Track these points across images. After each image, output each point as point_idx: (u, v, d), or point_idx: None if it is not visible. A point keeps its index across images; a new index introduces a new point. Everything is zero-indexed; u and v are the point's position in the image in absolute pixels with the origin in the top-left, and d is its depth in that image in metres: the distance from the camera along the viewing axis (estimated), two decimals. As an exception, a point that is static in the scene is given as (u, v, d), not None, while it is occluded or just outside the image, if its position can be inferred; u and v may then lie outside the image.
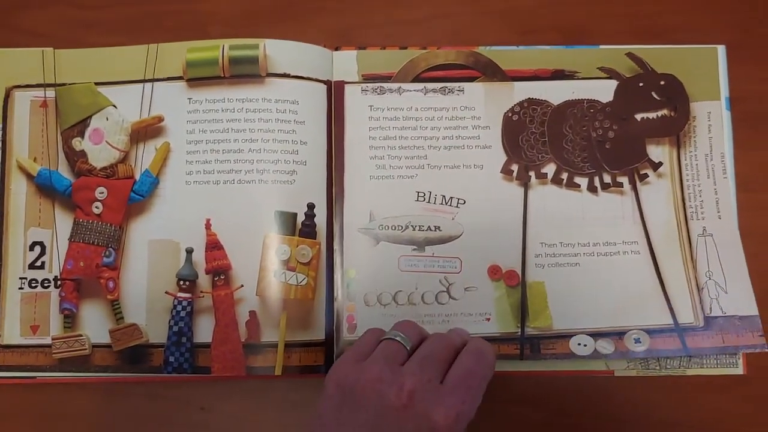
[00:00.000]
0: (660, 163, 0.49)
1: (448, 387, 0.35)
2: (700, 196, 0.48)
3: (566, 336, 0.46)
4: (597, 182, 0.48)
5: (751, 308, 0.47)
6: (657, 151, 0.49)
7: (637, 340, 0.46)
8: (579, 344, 0.46)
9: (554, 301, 0.47)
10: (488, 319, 0.47)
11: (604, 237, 0.48)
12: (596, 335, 0.46)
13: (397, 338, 0.38)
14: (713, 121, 0.49)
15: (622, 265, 0.47)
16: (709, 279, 0.47)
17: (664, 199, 0.48)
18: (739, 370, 0.47)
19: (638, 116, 0.49)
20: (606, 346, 0.46)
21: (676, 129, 0.49)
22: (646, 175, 0.49)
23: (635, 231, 0.48)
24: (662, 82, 0.49)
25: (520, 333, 0.47)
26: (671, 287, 0.47)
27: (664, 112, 0.49)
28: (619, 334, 0.46)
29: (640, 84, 0.49)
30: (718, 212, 0.48)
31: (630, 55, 0.50)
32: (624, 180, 0.49)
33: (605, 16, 0.52)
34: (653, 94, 0.49)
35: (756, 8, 0.52)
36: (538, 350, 0.46)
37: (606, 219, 0.48)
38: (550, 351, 0.46)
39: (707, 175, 0.49)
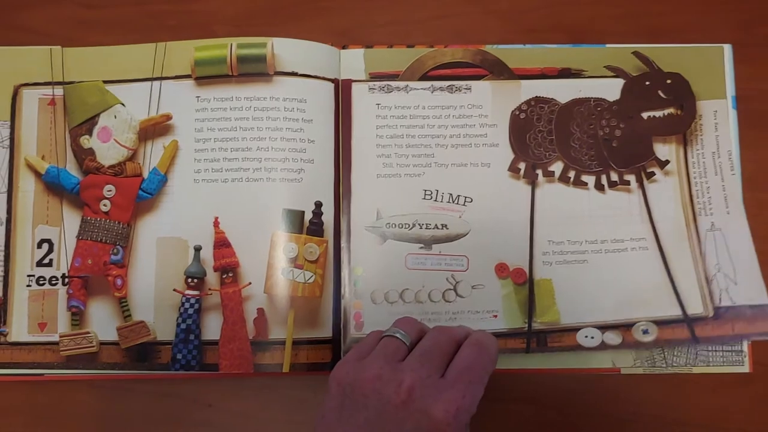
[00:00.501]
0: (667, 161, 0.49)
1: (448, 382, 0.35)
2: (708, 192, 0.48)
3: (573, 330, 0.47)
4: (604, 180, 0.49)
5: (761, 297, 0.47)
6: (664, 150, 0.49)
7: (645, 331, 0.46)
8: (586, 336, 0.46)
9: (562, 297, 0.47)
10: (495, 316, 0.47)
11: (612, 234, 0.48)
12: (603, 328, 0.47)
13: (397, 335, 0.38)
14: (720, 120, 0.49)
15: (629, 261, 0.47)
16: (719, 272, 0.47)
17: (672, 196, 0.49)
18: (746, 369, 0.47)
19: (645, 115, 0.49)
20: (613, 338, 0.46)
21: (683, 127, 0.49)
22: (653, 173, 0.49)
23: (643, 228, 0.48)
24: (668, 81, 0.49)
25: (527, 328, 0.47)
26: (680, 280, 0.47)
27: (671, 110, 0.49)
28: (626, 326, 0.47)
29: (647, 83, 0.50)
30: (727, 208, 0.48)
31: (636, 53, 0.50)
32: (631, 178, 0.49)
33: (609, 16, 0.52)
34: (660, 92, 0.49)
35: (761, 8, 0.52)
36: (544, 343, 0.46)
37: (613, 216, 0.48)
38: (556, 344, 0.46)
39: (715, 172, 0.49)
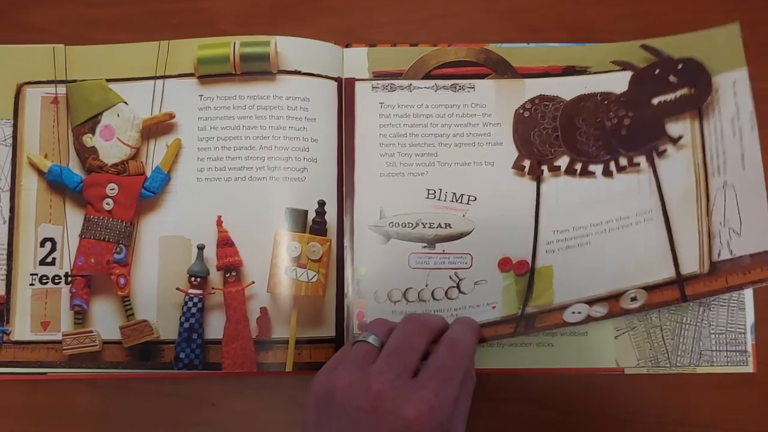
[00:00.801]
0: (680, 137, 0.47)
1: (420, 382, 0.35)
2: (724, 155, 0.47)
3: (562, 308, 0.46)
4: (612, 166, 0.48)
5: (765, 244, 0.45)
6: (677, 127, 0.48)
7: (633, 299, 0.46)
8: (573, 313, 0.46)
9: (560, 280, 0.47)
10: (494, 307, 0.47)
11: (617, 213, 0.47)
12: (593, 302, 0.46)
13: (368, 339, 0.38)
14: (738, 89, 0.47)
15: (632, 234, 0.47)
16: (723, 226, 0.46)
17: (684, 166, 0.47)
18: (749, 368, 0.47)
19: (655, 101, 0.48)
20: (599, 310, 0.46)
21: (697, 104, 0.48)
22: (665, 151, 0.48)
23: (651, 201, 0.47)
24: (680, 66, 0.48)
25: (520, 313, 0.46)
26: (680, 241, 0.46)
27: (683, 91, 0.48)
28: (616, 297, 0.46)
29: (656, 71, 0.48)
30: (743, 166, 0.46)
31: (644, 46, 0.49)
32: (641, 159, 0.48)
33: (612, 15, 0.52)
34: (670, 78, 0.48)
35: (765, 7, 0.52)
36: (532, 325, 0.46)
37: (621, 197, 0.47)
38: (543, 324, 0.46)
39: (733, 134, 0.47)
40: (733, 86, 0.48)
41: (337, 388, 0.35)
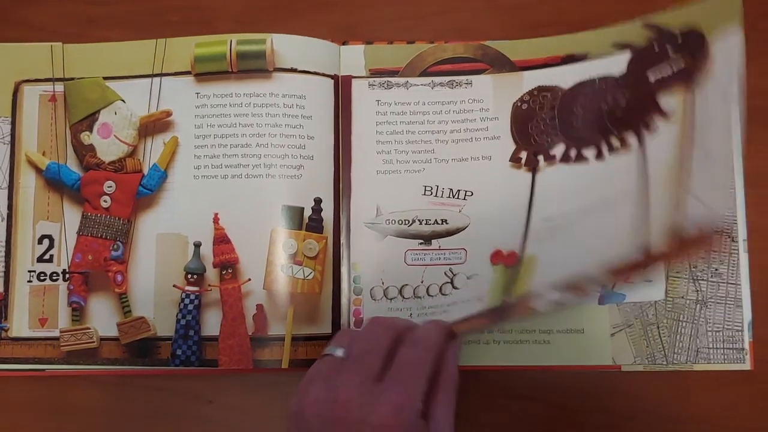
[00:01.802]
0: (673, 112, 0.45)
1: (385, 384, 0.35)
2: (709, 126, 0.43)
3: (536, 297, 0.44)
4: (605, 149, 0.46)
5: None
6: (670, 101, 0.45)
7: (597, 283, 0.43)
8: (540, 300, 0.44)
9: (541, 267, 0.45)
10: (481, 300, 0.46)
11: (601, 195, 0.45)
12: (562, 289, 0.44)
13: (335, 353, 0.38)
14: (732, 51, 0.43)
15: (612, 218, 0.44)
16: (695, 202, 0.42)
17: (672, 141, 0.44)
18: (746, 366, 0.47)
19: (652, 78, 0.46)
20: (568, 297, 0.42)
21: (693, 73, 0.45)
22: (655, 126, 0.45)
23: (638, 182, 0.44)
24: (680, 40, 0.46)
25: (499, 305, 0.45)
26: (654, 227, 0.43)
27: (681, 65, 0.45)
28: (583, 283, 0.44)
29: (656, 49, 0.46)
30: (722, 139, 0.42)
31: (647, 25, 0.47)
32: (633, 138, 0.45)
33: (614, 12, 0.51)
34: (670, 53, 0.46)
35: (763, 3, 0.51)
36: (503, 315, 0.44)
37: (609, 180, 0.45)
38: (515, 313, 0.44)
39: (722, 102, 0.42)
40: (727, 50, 0.44)
41: (305, 405, 0.35)
